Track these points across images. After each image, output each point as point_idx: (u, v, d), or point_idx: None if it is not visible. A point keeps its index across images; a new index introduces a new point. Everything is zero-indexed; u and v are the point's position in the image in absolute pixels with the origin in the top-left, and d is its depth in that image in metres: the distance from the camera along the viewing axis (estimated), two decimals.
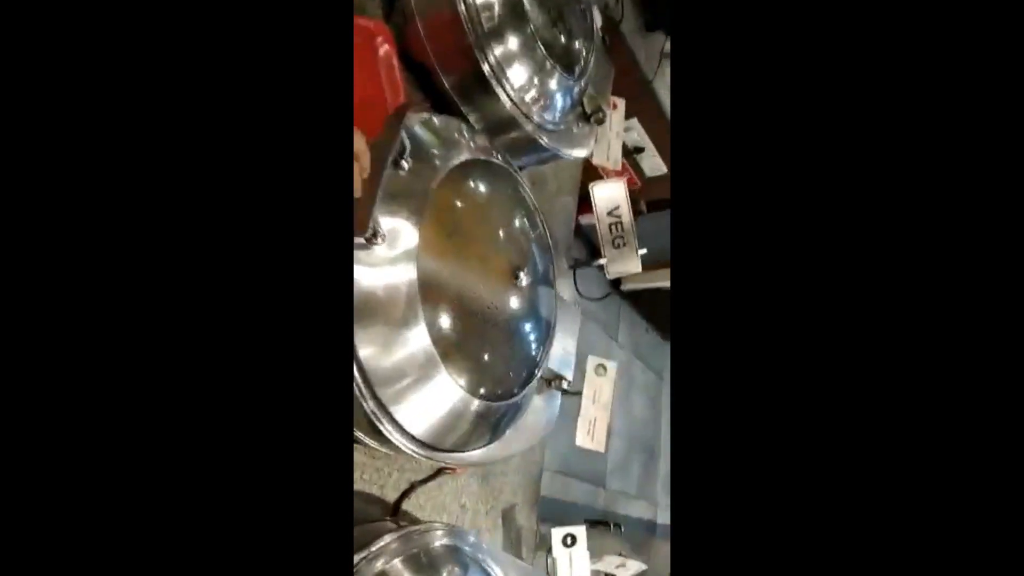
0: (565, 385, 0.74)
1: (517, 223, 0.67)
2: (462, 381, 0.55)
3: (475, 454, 0.64)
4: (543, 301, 0.67)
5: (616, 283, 2.66)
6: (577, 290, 1.26)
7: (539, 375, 0.69)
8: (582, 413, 0.89)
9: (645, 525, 2.61)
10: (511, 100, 0.74)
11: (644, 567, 0.94)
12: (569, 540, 0.78)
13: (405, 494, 0.67)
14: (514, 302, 0.60)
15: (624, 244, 0.93)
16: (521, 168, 0.97)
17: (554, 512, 1.91)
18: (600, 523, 1.45)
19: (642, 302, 2.64)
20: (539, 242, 0.69)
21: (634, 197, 2.10)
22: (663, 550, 1.38)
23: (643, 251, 0.94)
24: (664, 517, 2.74)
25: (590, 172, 1.16)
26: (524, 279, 0.59)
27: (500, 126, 0.79)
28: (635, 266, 0.94)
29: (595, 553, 1.15)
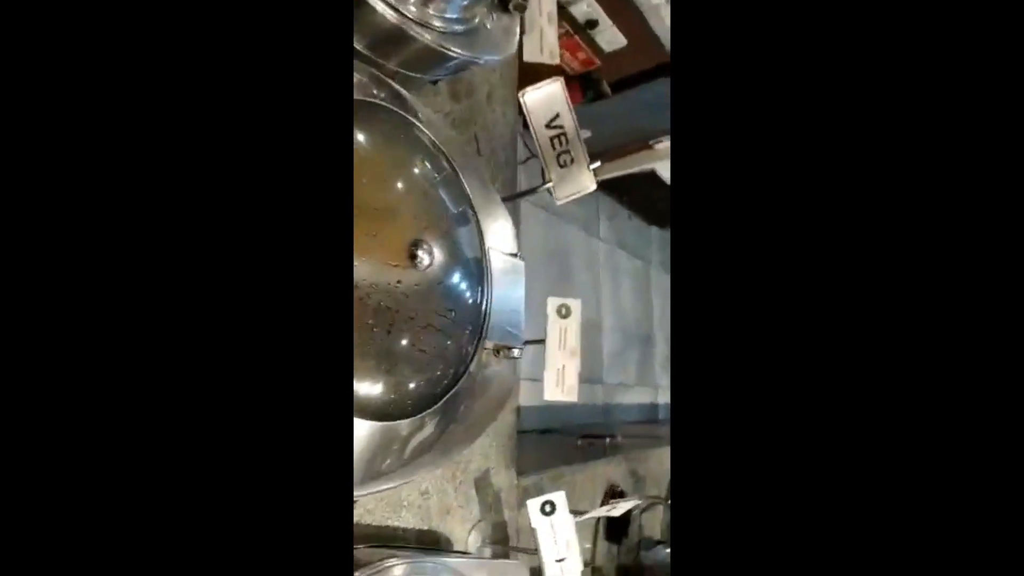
0: (516, 353, 0.63)
1: (417, 172, 0.53)
2: (368, 408, 0.43)
3: (421, 463, 0.54)
4: (465, 266, 0.54)
5: None
6: (549, 191, 1.10)
7: (480, 351, 0.58)
8: (548, 363, 0.79)
9: (647, 411, 2.65)
10: (390, 7, 0.56)
11: (637, 502, 0.89)
12: (548, 508, 0.71)
13: None
14: (420, 288, 0.47)
15: (572, 160, 0.78)
16: (435, 82, 0.80)
17: (552, 419, 1.89)
18: (596, 437, 1.42)
19: (622, 189, 2.48)
20: (449, 189, 0.55)
21: (596, 77, 1.89)
22: (660, 455, 1.35)
23: (596, 164, 0.79)
24: (664, 397, 2.78)
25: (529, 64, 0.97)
26: (426, 257, 0.46)
27: (390, 41, 0.62)
28: (587, 183, 0.79)
29: (587, 493, 1.11)
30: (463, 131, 0.85)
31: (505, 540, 0.83)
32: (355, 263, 0.43)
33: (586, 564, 1.04)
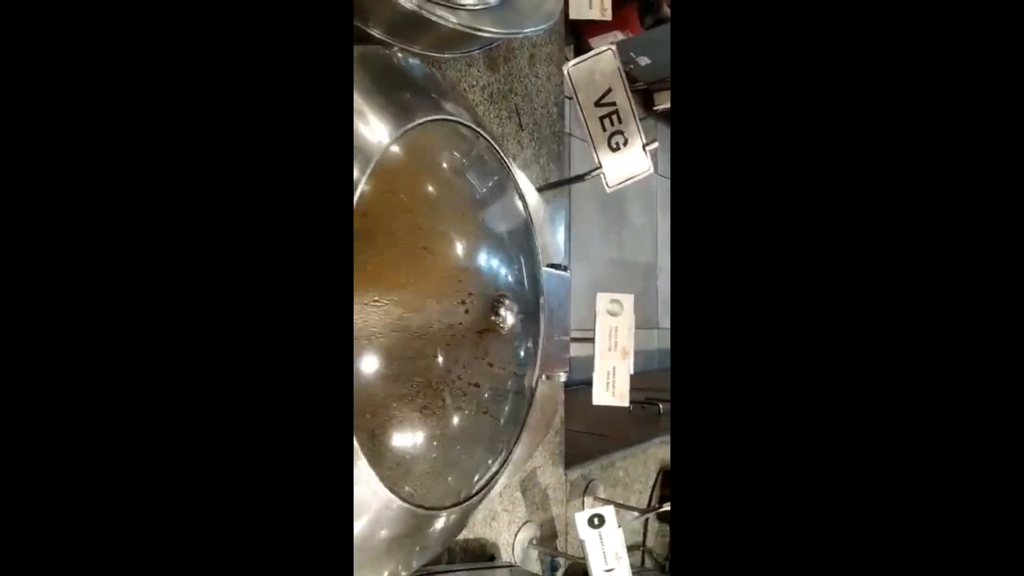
0: (562, 377, 0.58)
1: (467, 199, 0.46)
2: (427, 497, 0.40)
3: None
4: (529, 307, 0.48)
5: (648, 104, 2.30)
6: (603, 176, 1.02)
7: (533, 386, 0.53)
8: (597, 365, 0.73)
9: None
10: None
11: None
12: (596, 520, 0.68)
13: None
14: (501, 353, 0.42)
15: (626, 142, 0.68)
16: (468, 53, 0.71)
17: None
18: (648, 402, 1.38)
19: None
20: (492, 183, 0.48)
21: (654, 1, 1.69)
22: None
23: (654, 144, 0.69)
24: None
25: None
26: (509, 316, 0.41)
27: (411, 26, 0.54)
28: (643, 165, 0.70)
29: (639, 476, 1.08)
30: (502, 105, 0.76)
31: (554, 536, 0.82)
32: (405, 340, 0.38)
33: (638, 547, 1.03)
